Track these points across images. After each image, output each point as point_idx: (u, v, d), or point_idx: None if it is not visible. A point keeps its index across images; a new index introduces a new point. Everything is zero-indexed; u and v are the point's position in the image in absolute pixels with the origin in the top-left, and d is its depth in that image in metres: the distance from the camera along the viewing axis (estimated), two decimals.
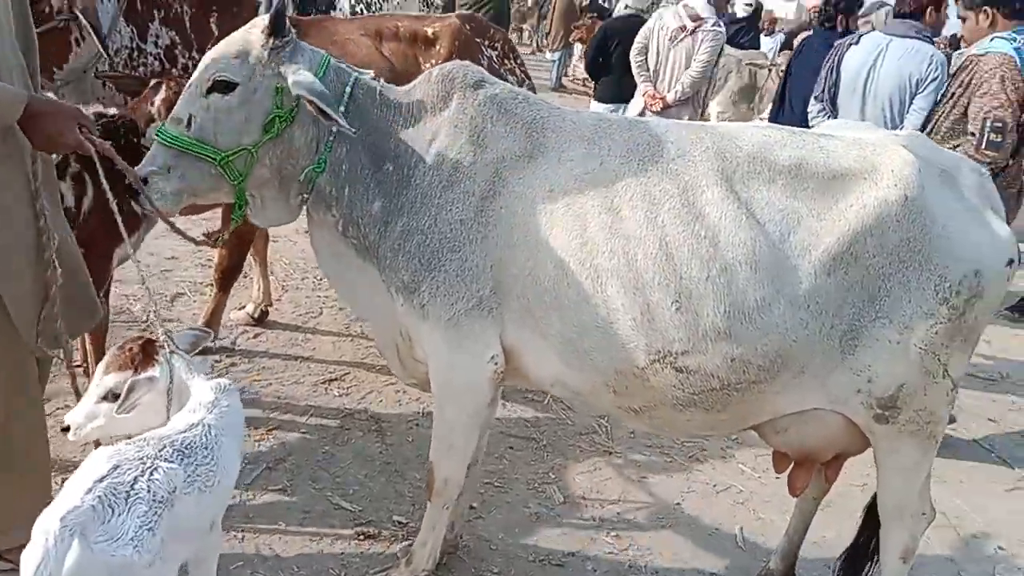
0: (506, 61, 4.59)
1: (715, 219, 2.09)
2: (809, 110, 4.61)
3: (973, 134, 3.33)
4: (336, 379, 3.89)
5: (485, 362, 2.33)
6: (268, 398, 3.66)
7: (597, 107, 6.09)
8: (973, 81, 3.45)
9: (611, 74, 6.05)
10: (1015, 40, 3.45)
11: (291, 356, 4.05)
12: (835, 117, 4.35)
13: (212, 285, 4.04)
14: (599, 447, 3.68)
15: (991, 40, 3.52)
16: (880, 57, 4.27)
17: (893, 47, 4.25)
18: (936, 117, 3.58)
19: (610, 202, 2.16)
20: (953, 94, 3.54)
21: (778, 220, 2.08)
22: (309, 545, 2.83)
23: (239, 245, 3.82)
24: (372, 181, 2.31)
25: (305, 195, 2.35)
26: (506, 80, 4.49)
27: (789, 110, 5.26)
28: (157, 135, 2.27)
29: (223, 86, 2.20)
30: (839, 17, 5.36)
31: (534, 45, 18.42)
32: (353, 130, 2.16)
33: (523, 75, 4.74)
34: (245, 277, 4.76)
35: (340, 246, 2.40)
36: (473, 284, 2.25)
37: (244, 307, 4.35)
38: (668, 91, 5.63)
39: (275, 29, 2.21)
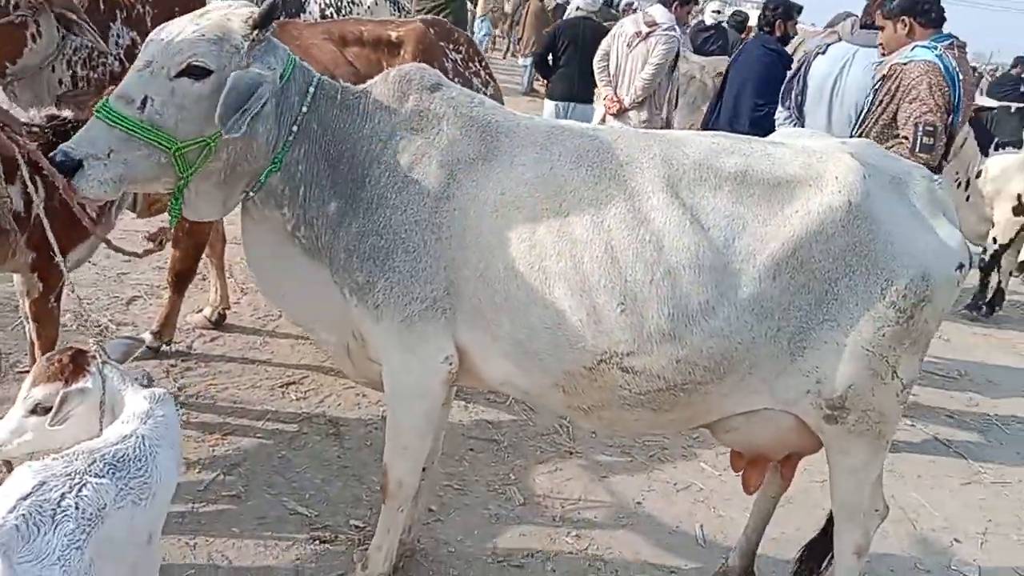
0: (471, 64, 4.58)
1: (660, 224, 2.10)
2: (776, 117, 4.70)
3: (906, 138, 3.44)
4: (294, 383, 3.83)
5: (439, 363, 2.31)
6: (224, 402, 3.59)
7: (549, 105, 6.19)
8: (900, 88, 3.56)
9: (561, 73, 6.17)
10: (935, 48, 3.59)
11: (248, 360, 3.99)
12: (802, 125, 4.42)
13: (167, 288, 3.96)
14: (560, 448, 3.67)
15: (912, 49, 3.64)
16: (846, 66, 4.35)
17: (859, 57, 4.34)
18: (866, 123, 3.69)
19: (559, 206, 2.16)
20: (881, 101, 3.67)
21: (723, 225, 2.10)
22: (264, 551, 2.78)
23: (193, 246, 3.75)
24: (328, 181, 2.28)
25: (250, 192, 2.30)
26: (471, 83, 4.49)
27: (721, 113, 5.39)
28: (99, 112, 2.09)
29: (197, 72, 2.10)
30: (777, 22, 5.49)
31: (507, 50, 18.49)
32: (236, 135, 2.06)
33: (488, 78, 4.72)
34: (204, 280, 4.70)
35: (285, 246, 2.35)
36: (427, 285, 2.23)
37: (201, 310, 4.27)
38: (625, 95, 5.74)
39: (263, 22, 2.15)
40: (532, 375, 2.26)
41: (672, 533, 3.18)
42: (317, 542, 2.86)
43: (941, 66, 3.50)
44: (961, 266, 2.19)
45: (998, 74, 15.40)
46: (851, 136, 3.71)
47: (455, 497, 3.21)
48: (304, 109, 2.23)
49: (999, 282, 6.45)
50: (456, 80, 4.28)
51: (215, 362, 3.93)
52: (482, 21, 15.62)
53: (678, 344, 2.09)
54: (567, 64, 6.13)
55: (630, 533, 3.15)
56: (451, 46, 4.29)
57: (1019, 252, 6.27)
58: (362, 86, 2.38)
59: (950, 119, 3.50)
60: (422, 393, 2.36)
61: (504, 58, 17.94)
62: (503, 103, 4.05)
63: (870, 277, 2.10)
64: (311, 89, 2.27)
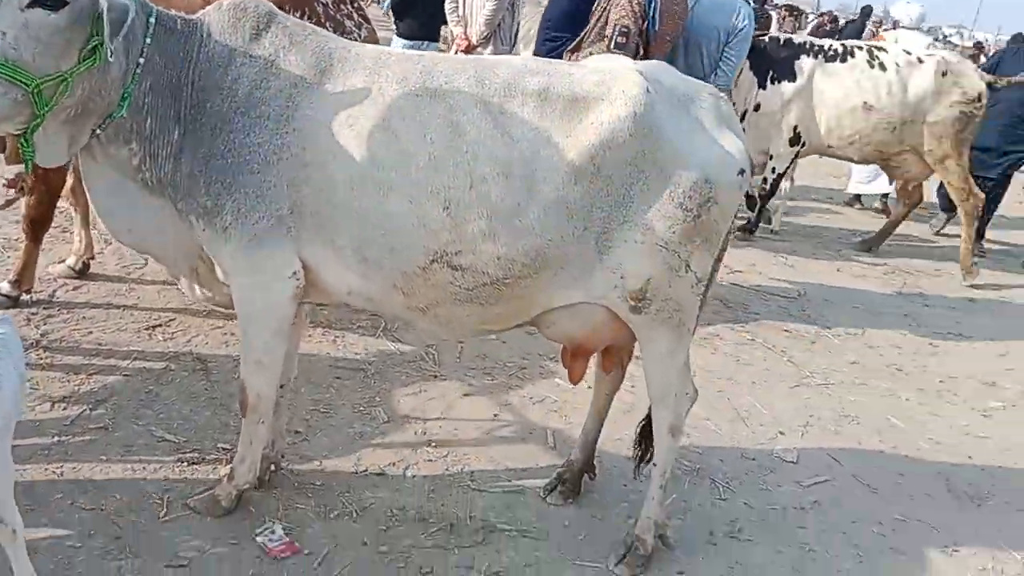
0: (342, 6, 4.66)
1: (475, 136, 2.32)
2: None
3: (607, 36, 4.00)
4: (160, 325, 3.90)
5: (286, 279, 2.47)
6: (89, 345, 3.64)
7: (398, 42, 6.28)
8: (611, 1, 4.08)
9: (409, 13, 6.33)
10: None
11: (114, 306, 4.02)
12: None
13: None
14: (425, 372, 3.89)
15: None
16: (691, 10, 4.66)
17: (704, 0, 4.66)
18: (588, 27, 4.18)
19: (388, 123, 2.35)
20: (598, 11, 4.14)
21: (530, 137, 2.34)
22: (132, 475, 2.89)
23: (47, 193, 3.74)
24: (172, 111, 2.37)
25: (98, 131, 2.34)
26: (343, 25, 4.58)
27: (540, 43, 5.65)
28: None
29: (50, 2, 2.06)
30: None
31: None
32: (110, 59, 2.13)
33: (361, 19, 4.82)
34: (66, 232, 4.66)
35: (128, 183, 2.43)
36: (272, 204, 2.37)
37: (64, 260, 4.25)
38: (473, 34, 6.05)
39: None
40: (373, 281, 2.46)
41: (526, 440, 3.46)
42: (185, 464, 2.99)
43: None
44: (742, 171, 2.49)
45: None
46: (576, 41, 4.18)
47: (321, 419, 3.39)
48: (148, 40, 2.29)
49: (768, 208, 7.05)
50: (327, 24, 4.38)
51: (79, 309, 3.95)
52: None
53: (497, 242, 2.34)
54: (414, 5, 6.26)
55: (487, 442, 3.41)
56: None
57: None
58: (197, 15, 2.47)
59: (645, 24, 4.07)
60: (272, 309, 2.52)
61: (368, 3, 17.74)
62: (378, 43, 4.19)
63: (659, 181, 2.38)
64: (151, 20, 2.33)
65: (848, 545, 3.07)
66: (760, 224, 7.01)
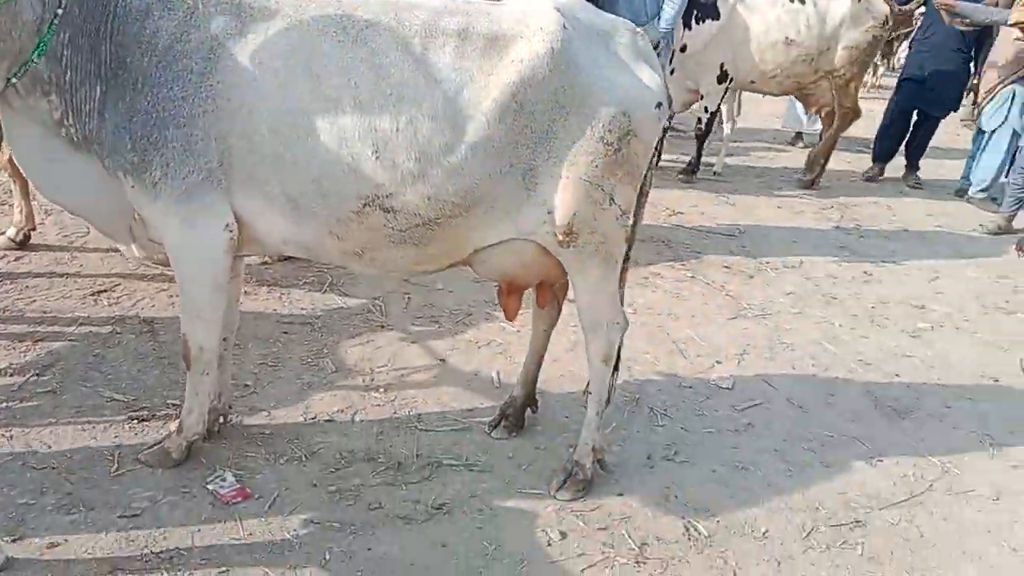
0: None
1: (398, 78, 2.37)
2: None
3: None
4: (105, 291, 3.92)
5: (220, 231, 2.51)
6: (33, 314, 3.66)
7: None
8: None
9: None
10: None
11: (57, 274, 4.03)
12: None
13: None
14: (373, 323, 3.97)
15: None
16: None
17: None
18: None
19: (311, 69, 2.38)
20: None
21: (452, 77, 2.39)
22: (83, 435, 2.94)
23: None
24: (92, 65, 2.38)
25: (13, 78, 2.33)
26: None
27: None
28: None
29: None
30: None
31: None
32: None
33: None
34: (5, 205, 4.63)
35: (52, 138, 2.44)
36: (201, 158, 2.41)
37: (4, 232, 4.23)
38: None
39: None
40: (307, 228, 2.51)
41: (471, 381, 3.58)
42: (136, 422, 3.05)
43: None
44: (660, 104, 2.57)
45: None
46: None
47: (269, 372, 3.46)
48: None
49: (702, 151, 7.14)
50: None
51: (21, 279, 3.95)
52: None
53: (427, 183, 2.41)
54: None
55: (434, 384, 3.52)
56: None
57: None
58: None
59: None
60: (207, 263, 2.56)
61: None
62: None
63: (579, 116, 2.45)
64: None
65: (780, 462, 3.24)
66: (701, 166, 7.14)
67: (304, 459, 2.94)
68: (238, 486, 2.77)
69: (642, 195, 2.76)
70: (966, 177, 7.67)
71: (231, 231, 2.53)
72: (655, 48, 4.56)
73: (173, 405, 3.15)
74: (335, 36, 2.41)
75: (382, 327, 3.95)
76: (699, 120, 6.87)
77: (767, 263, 5.35)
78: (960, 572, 2.73)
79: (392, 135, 2.37)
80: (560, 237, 2.56)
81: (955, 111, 8.15)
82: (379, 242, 2.52)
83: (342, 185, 2.41)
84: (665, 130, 7.20)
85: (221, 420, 3.03)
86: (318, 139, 2.38)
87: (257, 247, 2.67)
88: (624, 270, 2.83)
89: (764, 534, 2.80)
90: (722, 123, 7.55)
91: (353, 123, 2.37)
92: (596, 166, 2.49)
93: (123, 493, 2.69)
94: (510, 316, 2.89)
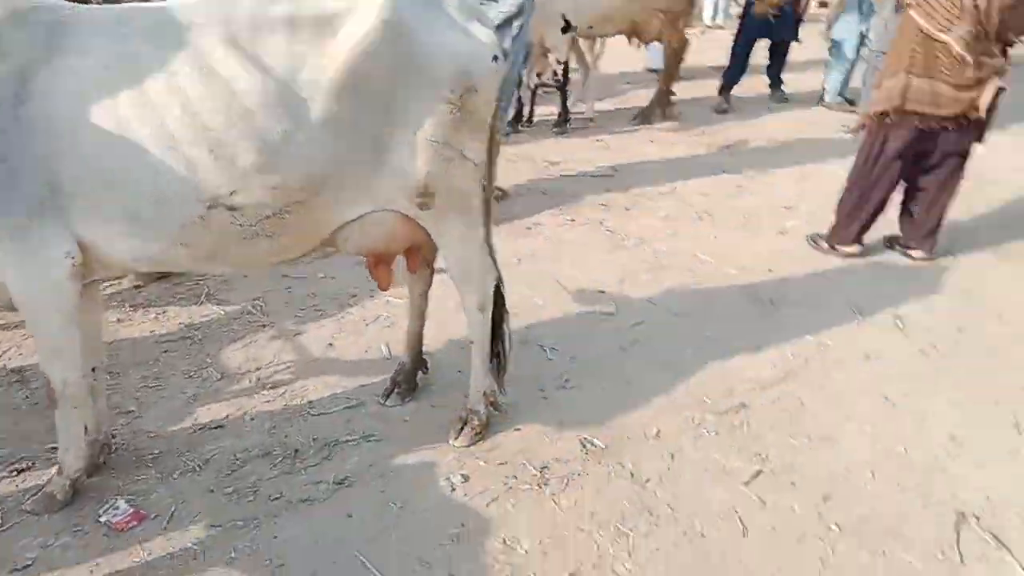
0: None
1: (227, 74, 2.32)
2: None
3: None
4: None
5: (61, 259, 2.40)
6: None
7: None
8: None
9: None
10: None
11: None
12: None
13: None
14: (254, 324, 3.91)
15: None
16: None
17: None
18: None
19: (134, 80, 2.31)
20: None
21: (285, 64, 2.35)
22: None
23: None
24: None
25: None
26: None
27: None
28: None
29: None
30: None
31: None
32: None
33: None
34: None
35: None
36: (28, 189, 2.31)
37: None
38: None
39: None
40: (153, 242, 2.43)
41: (361, 359, 3.57)
42: (16, 474, 2.93)
43: None
44: (496, 58, 2.60)
45: None
46: None
47: (152, 394, 3.37)
48: None
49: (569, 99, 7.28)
50: None
51: None
52: None
53: (271, 174, 2.36)
54: None
55: (324, 371, 3.49)
56: None
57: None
58: None
59: None
60: (52, 294, 2.44)
61: None
62: None
63: (420, 80, 2.45)
64: None
65: (665, 370, 3.36)
66: (572, 115, 7.25)
67: (198, 468, 2.89)
68: (131, 510, 2.70)
69: (493, 145, 2.79)
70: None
71: (72, 258, 2.43)
72: (519, 11, 4.59)
73: (53, 450, 3.03)
74: (158, 42, 2.34)
75: (263, 326, 3.89)
76: (553, 73, 6.97)
77: (642, 194, 5.49)
78: (840, 429, 2.89)
79: (227, 132, 2.32)
80: (418, 200, 2.57)
81: (796, 40, 8.40)
82: (230, 243, 2.47)
83: (182, 192, 2.35)
84: (536, 86, 7.30)
85: (107, 451, 2.94)
86: (149, 150, 2.31)
87: (106, 268, 2.58)
88: (487, 222, 2.85)
89: (656, 434, 2.91)
90: (581, 71, 7.67)
91: (184, 127, 2.31)
92: (442, 126, 2.50)
93: (11, 547, 2.58)
94: (383, 287, 2.88)
